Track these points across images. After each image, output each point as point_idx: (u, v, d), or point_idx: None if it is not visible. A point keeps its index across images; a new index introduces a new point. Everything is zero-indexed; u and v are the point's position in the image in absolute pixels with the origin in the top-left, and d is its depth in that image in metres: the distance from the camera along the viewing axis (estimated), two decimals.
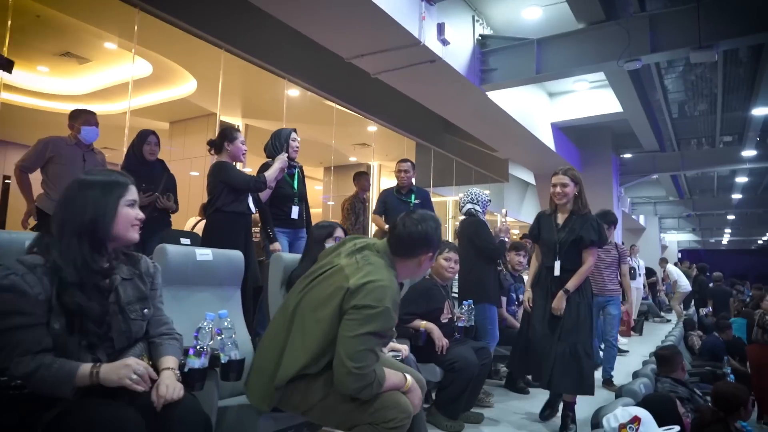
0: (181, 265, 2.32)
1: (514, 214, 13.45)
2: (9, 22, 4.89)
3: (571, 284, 2.95)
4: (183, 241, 3.70)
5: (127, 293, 1.51)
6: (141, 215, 1.49)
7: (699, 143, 10.37)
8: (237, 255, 2.63)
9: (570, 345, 2.90)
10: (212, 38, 5.01)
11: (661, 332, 8.21)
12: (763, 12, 4.60)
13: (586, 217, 3.03)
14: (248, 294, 3.16)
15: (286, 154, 3.40)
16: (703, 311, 10.07)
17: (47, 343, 1.33)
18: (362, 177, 5.35)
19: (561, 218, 3.12)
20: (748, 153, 9.43)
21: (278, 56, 5.68)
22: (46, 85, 7.29)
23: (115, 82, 6.91)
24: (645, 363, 4.29)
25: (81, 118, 3.58)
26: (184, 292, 2.34)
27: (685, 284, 10.48)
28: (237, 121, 8.33)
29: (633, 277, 9.72)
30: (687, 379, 3.90)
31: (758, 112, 7.62)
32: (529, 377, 3.93)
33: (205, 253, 2.43)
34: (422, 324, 3.08)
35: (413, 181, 4.48)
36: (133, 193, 1.51)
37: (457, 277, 4.22)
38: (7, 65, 3.97)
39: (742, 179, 12.48)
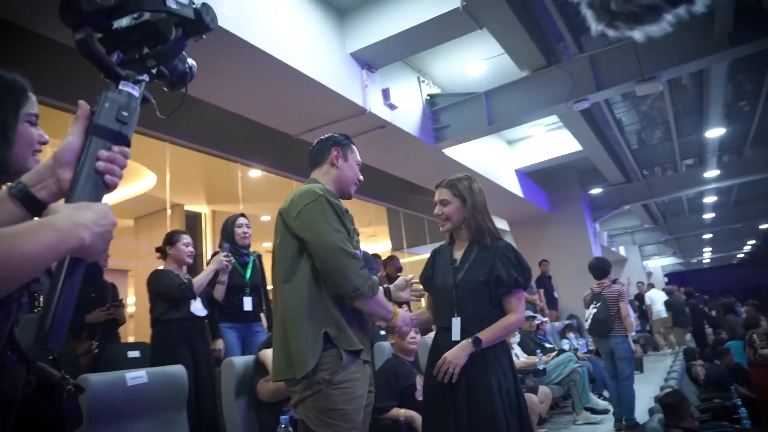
0: (108, 395, 2.02)
1: None
2: None
3: (485, 335, 1.96)
4: (131, 354, 3.39)
5: None
6: (45, 138, 1.06)
7: (663, 170, 10.48)
8: (178, 371, 2.33)
9: None
10: (154, 132, 4.88)
11: (662, 366, 7.90)
12: (696, 39, 4.68)
13: (495, 249, 2.07)
14: (207, 408, 2.84)
15: (224, 254, 3.19)
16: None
17: None
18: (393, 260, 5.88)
19: (458, 252, 2.15)
20: (711, 173, 9.53)
21: (225, 141, 5.56)
22: None
23: None
24: (651, 412, 3.99)
25: None
26: (115, 427, 2.02)
27: (659, 309, 10.24)
28: (203, 208, 8.13)
29: (634, 310, 9.54)
30: (697, 426, 3.63)
31: (711, 134, 7.74)
32: None
33: (137, 376, 2.14)
34: (401, 413, 2.80)
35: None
36: (35, 104, 1.05)
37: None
38: None
39: (710, 199, 12.61)
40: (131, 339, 6.39)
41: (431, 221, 10.04)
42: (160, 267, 3.16)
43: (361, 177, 2.05)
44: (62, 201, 0.85)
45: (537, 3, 4.60)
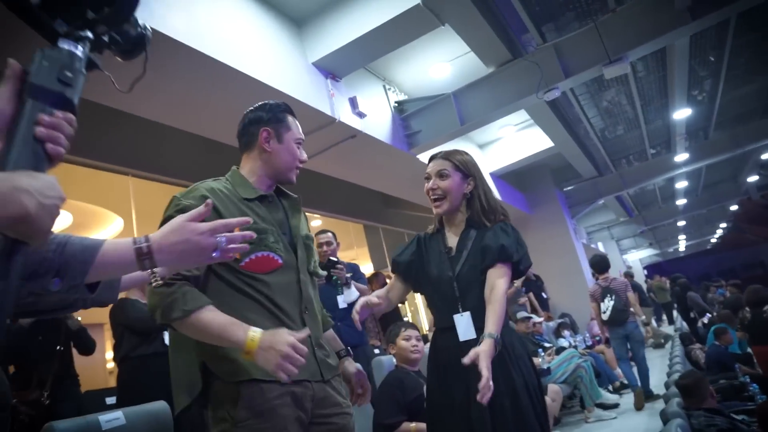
0: None
1: None
2: None
3: (494, 326, 1.61)
4: (109, 401, 3.08)
5: None
6: None
7: (629, 161, 10.54)
8: (159, 408, 2.06)
9: None
10: (114, 166, 4.60)
11: (659, 355, 7.80)
12: (657, 17, 4.69)
13: (494, 229, 1.80)
14: None
15: None
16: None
17: None
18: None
19: (452, 238, 1.87)
20: (681, 157, 9.64)
21: (191, 168, 5.29)
22: None
23: None
24: (667, 398, 3.82)
25: None
26: None
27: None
28: None
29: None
30: (720, 406, 3.47)
31: (678, 115, 7.81)
32: None
33: (113, 418, 1.86)
34: (412, 427, 2.57)
35: (336, 253, 3.99)
36: None
37: None
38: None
39: (681, 184, 12.78)
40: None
41: (411, 235, 9.87)
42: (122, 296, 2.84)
43: (304, 156, 1.64)
44: None
45: None
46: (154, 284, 1.30)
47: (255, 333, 1.26)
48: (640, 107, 7.56)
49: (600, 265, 5.57)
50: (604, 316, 5.39)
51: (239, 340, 1.27)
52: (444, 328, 1.80)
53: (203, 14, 3.46)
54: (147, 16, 2.97)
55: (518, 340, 1.80)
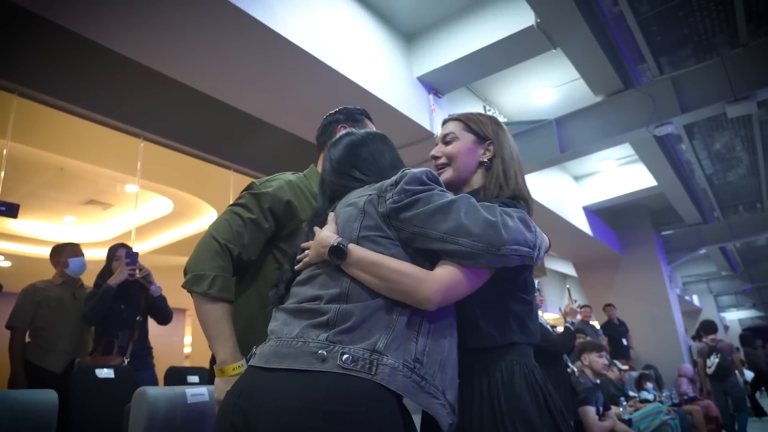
0: (167, 412, 1.82)
1: (555, 310, 12.57)
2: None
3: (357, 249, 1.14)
4: (190, 379, 3.21)
5: None
6: None
7: (736, 210, 9.65)
8: None
9: None
10: (218, 159, 4.87)
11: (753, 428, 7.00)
12: None
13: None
14: None
15: None
16: None
17: None
18: None
19: None
20: None
21: (290, 168, 5.50)
22: (72, 235, 7.23)
23: (139, 223, 6.83)
24: None
25: (66, 251, 3.31)
26: None
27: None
28: None
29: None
30: None
31: None
32: None
33: (198, 393, 1.93)
34: None
35: None
36: None
37: None
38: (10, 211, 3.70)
39: None
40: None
41: None
42: None
43: None
44: None
45: (613, 22, 4.37)
46: (213, 251, 1.43)
47: (242, 365, 1.34)
48: (761, 154, 6.95)
49: (710, 327, 6.70)
50: (709, 371, 6.27)
51: (220, 356, 1.36)
52: None
53: (321, 21, 3.60)
54: (269, 18, 3.13)
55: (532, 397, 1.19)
